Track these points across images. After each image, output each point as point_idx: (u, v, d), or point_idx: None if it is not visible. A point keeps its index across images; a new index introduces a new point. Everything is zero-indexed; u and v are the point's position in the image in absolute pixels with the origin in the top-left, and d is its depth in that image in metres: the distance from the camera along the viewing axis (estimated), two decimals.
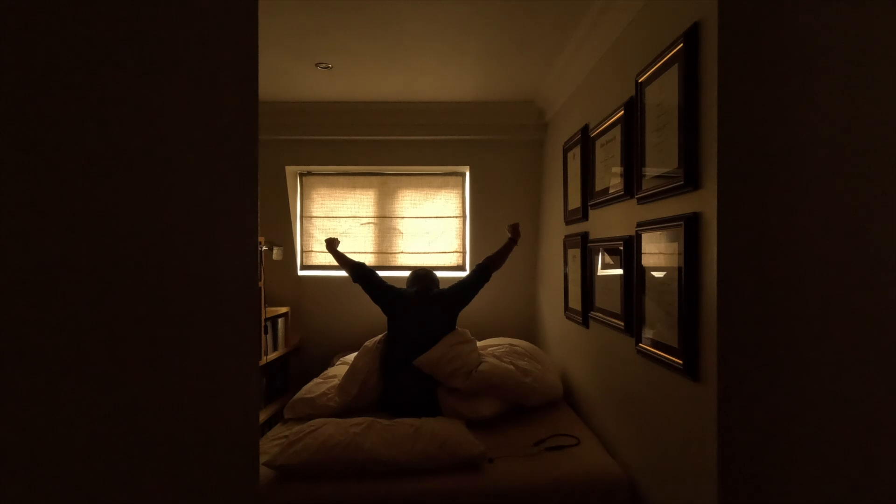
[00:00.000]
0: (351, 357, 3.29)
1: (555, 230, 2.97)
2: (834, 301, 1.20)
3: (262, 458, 1.79)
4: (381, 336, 2.61)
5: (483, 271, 2.62)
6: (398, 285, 3.50)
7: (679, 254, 1.37)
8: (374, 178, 3.62)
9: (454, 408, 2.20)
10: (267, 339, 2.99)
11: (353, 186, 3.62)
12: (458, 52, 2.48)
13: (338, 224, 3.63)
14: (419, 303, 2.55)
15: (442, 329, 2.46)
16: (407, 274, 3.51)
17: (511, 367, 2.33)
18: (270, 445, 1.96)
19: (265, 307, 2.97)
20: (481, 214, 3.49)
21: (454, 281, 2.97)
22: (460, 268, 3.60)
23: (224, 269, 0.59)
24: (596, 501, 1.72)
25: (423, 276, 2.70)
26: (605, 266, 2.04)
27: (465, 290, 2.59)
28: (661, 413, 1.54)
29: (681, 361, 1.36)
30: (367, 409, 2.37)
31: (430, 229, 3.60)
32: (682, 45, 1.36)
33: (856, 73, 1.21)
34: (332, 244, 2.80)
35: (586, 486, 1.74)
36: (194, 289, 0.54)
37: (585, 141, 2.31)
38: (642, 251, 1.64)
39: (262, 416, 2.87)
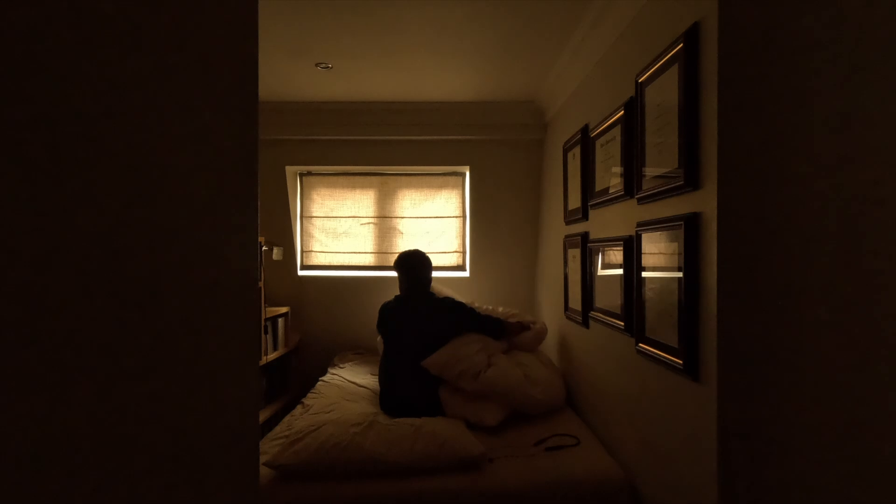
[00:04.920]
0: (352, 356, 3.30)
1: (555, 230, 2.97)
2: (834, 301, 1.20)
3: (262, 458, 1.79)
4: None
5: (497, 331, 2.52)
6: (394, 287, 3.52)
7: (679, 254, 1.37)
8: (374, 178, 3.62)
9: (458, 412, 2.19)
10: (267, 339, 2.99)
11: (353, 186, 3.63)
12: (459, 52, 2.48)
13: (338, 224, 3.63)
14: (417, 308, 2.51)
15: (446, 333, 2.44)
16: None
17: (520, 373, 2.32)
18: (270, 445, 1.96)
19: (265, 307, 2.97)
20: (481, 214, 3.49)
21: (454, 280, 2.96)
22: (460, 268, 3.60)
23: (224, 269, 0.59)
24: (596, 501, 1.72)
25: (412, 263, 2.59)
26: (605, 266, 2.04)
27: (474, 323, 2.51)
28: (661, 413, 1.54)
29: (681, 361, 1.36)
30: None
31: (430, 229, 3.61)
32: (682, 45, 1.36)
33: (856, 73, 1.21)
34: None
35: (586, 486, 1.74)
36: (194, 289, 0.54)
37: (585, 141, 2.31)
38: (642, 251, 1.64)
39: (262, 416, 2.87)
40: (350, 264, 3.63)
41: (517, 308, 3.45)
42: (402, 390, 2.34)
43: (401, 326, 2.47)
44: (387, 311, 2.56)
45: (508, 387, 2.23)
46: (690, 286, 1.32)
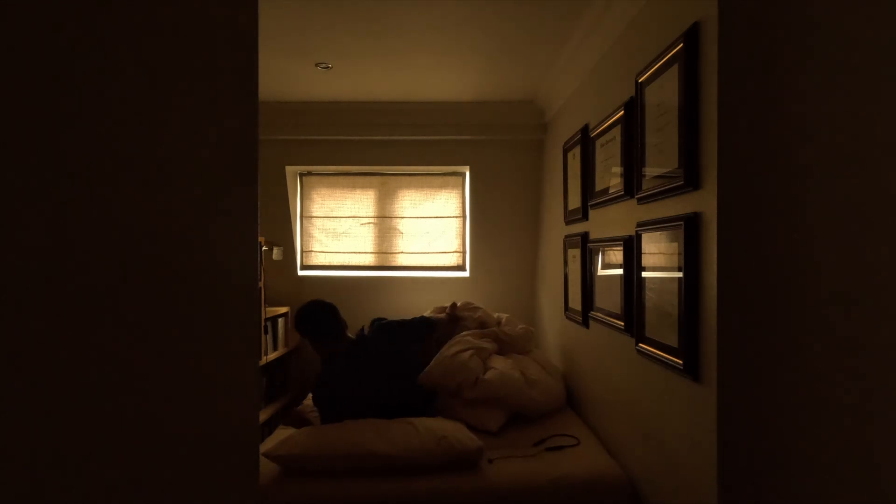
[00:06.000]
0: None
1: (555, 230, 2.97)
2: (834, 300, 1.20)
3: (262, 448, 1.80)
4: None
5: (426, 327, 2.43)
6: (394, 287, 3.50)
7: (679, 254, 1.37)
8: (374, 178, 3.62)
9: (459, 418, 2.16)
10: (267, 339, 2.99)
11: (353, 186, 3.62)
12: (459, 51, 2.48)
13: (338, 224, 3.63)
14: (368, 353, 2.22)
15: (403, 350, 2.33)
16: (406, 275, 3.53)
17: (519, 375, 2.32)
18: (271, 441, 1.97)
19: (265, 307, 2.97)
20: (481, 214, 3.49)
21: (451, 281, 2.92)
22: (460, 268, 3.60)
23: (224, 270, 0.59)
24: (596, 501, 1.72)
25: (330, 314, 2.20)
26: (605, 266, 2.04)
27: (403, 331, 2.38)
28: (661, 413, 1.54)
29: (681, 361, 1.36)
30: None
31: (430, 229, 3.61)
32: (682, 45, 1.36)
33: (856, 73, 1.21)
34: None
35: (586, 486, 1.74)
36: (194, 289, 0.54)
37: (585, 141, 2.31)
38: (642, 251, 1.64)
39: (262, 416, 2.87)
40: (350, 264, 3.63)
41: (517, 311, 3.45)
42: (396, 405, 2.20)
43: (371, 381, 2.14)
44: (343, 389, 2.09)
45: (508, 390, 2.22)
46: (690, 286, 1.32)
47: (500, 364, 2.36)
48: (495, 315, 2.87)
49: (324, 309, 2.17)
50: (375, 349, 2.24)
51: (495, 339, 2.56)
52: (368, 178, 3.62)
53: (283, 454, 1.74)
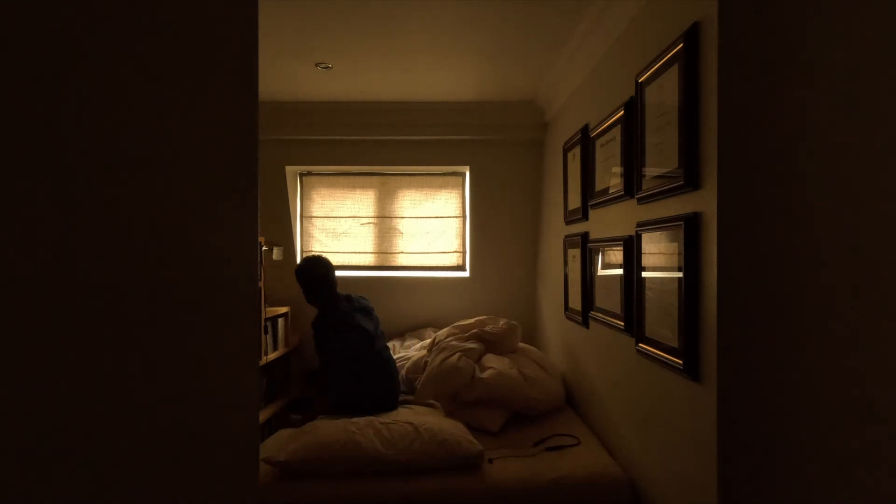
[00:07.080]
0: None
1: (555, 230, 2.97)
2: (833, 301, 1.20)
3: (262, 455, 1.79)
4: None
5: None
6: (394, 287, 3.49)
7: (679, 254, 1.37)
8: (374, 178, 3.62)
9: (458, 418, 2.16)
10: (267, 339, 2.99)
11: (353, 186, 3.63)
12: (459, 51, 2.48)
13: (338, 224, 3.63)
14: (356, 306, 2.44)
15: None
16: (406, 275, 3.53)
17: (517, 373, 2.31)
18: (273, 442, 1.97)
19: (265, 307, 2.97)
20: (481, 214, 3.49)
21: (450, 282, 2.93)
22: (460, 268, 3.60)
23: (224, 270, 0.59)
24: (596, 501, 1.72)
25: (326, 264, 2.50)
26: (605, 266, 2.04)
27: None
28: (661, 413, 1.54)
29: (681, 361, 1.36)
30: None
31: (430, 229, 3.61)
32: (682, 45, 1.36)
33: (855, 73, 1.21)
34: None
35: (586, 486, 1.74)
36: (194, 289, 0.54)
37: (585, 141, 2.31)
38: (642, 251, 1.64)
39: (262, 416, 2.87)
40: (350, 264, 3.63)
41: (517, 311, 3.45)
42: (391, 384, 2.33)
43: (363, 328, 2.32)
44: (336, 321, 2.31)
45: (507, 389, 2.22)
46: (690, 286, 1.32)
47: (496, 363, 2.35)
48: (473, 320, 2.83)
49: (320, 264, 2.49)
50: (366, 309, 2.46)
51: (479, 339, 2.52)
52: (368, 178, 3.62)
53: (283, 460, 1.73)
